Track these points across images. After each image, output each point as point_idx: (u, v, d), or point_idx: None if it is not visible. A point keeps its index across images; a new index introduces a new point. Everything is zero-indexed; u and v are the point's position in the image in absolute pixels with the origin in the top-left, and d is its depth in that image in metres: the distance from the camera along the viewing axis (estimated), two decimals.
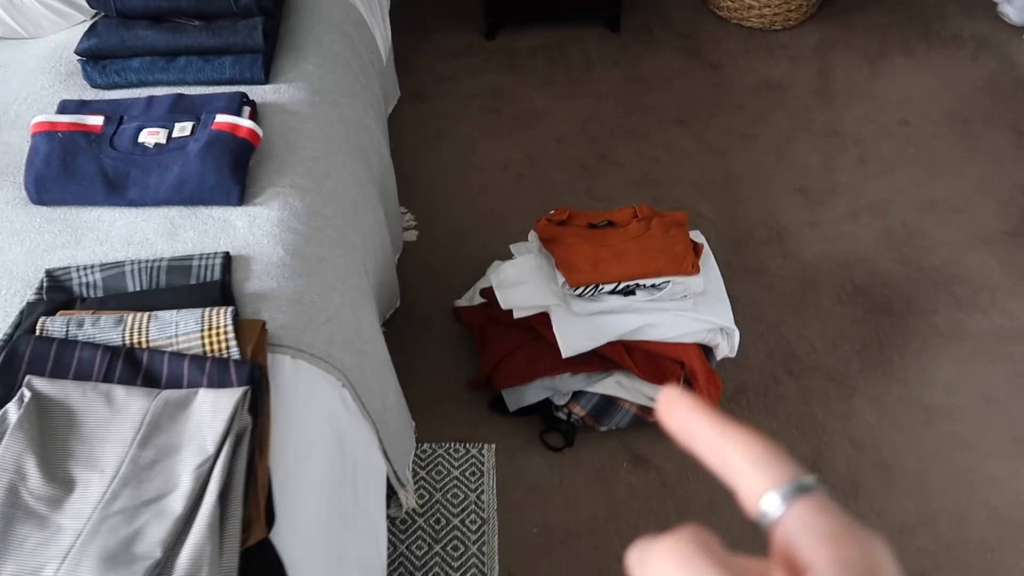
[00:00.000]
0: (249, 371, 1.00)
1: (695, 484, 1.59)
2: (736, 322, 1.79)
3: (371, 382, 1.25)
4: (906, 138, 2.21)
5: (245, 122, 1.28)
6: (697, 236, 1.68)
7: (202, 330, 1.03)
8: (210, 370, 1.00)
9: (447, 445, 1.64)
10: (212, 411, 0.94)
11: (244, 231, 1.21)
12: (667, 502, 1.57)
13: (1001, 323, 1.82)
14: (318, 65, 1.49)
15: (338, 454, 1.10)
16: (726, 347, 1.57)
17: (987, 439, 1.64)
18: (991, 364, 1.75)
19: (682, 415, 0.27)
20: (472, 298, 1.78)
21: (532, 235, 1.61)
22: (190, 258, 1.15)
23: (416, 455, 1.62)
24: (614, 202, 2.07)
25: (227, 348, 1.03)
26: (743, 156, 2.18)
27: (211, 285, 1.11)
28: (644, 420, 1.59)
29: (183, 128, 1.28)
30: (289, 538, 0.96)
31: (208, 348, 1.03)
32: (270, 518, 0.96)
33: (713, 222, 2.02)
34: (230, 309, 1.05)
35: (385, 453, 1.35)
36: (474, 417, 1.69)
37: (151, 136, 1.27)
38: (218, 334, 1.03)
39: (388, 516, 1.54)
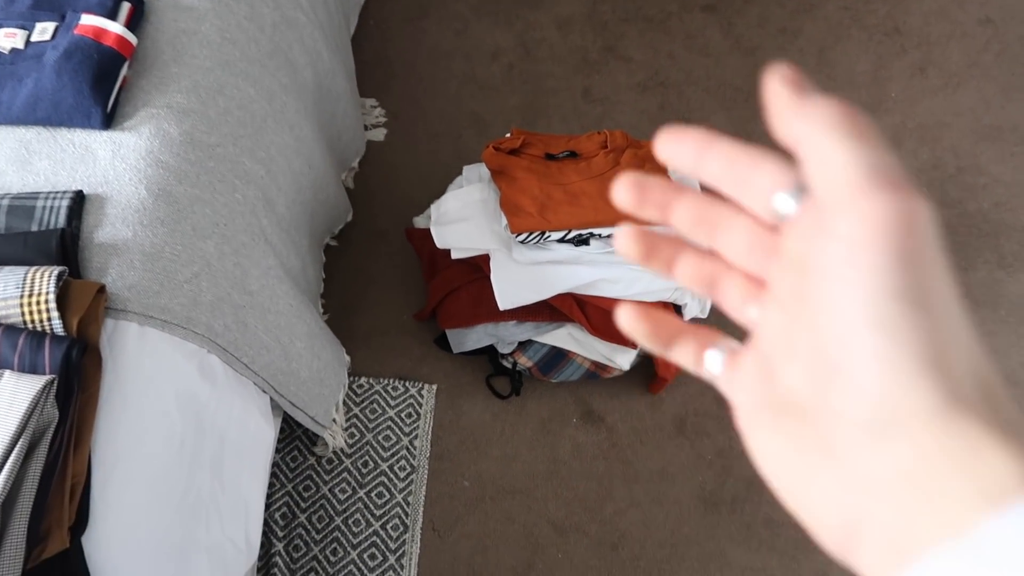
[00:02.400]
0: (65, 351, 0.87)
1: (648, 450, 1.44)
2: None
3: (260, 337, 1.11)
4: (984, 43, 1.81)
5: (114, 26, 1.07)
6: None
7: (21, 296, 0.89)
8: (22, 347, 0.87)
9: (385, 381, 1.52)
10: (7, 405, 0.82)
11: (105, 163, 1.04)
12: (614, 465, 1.43)
13: None
14: None
15: (190, 433, 0.98)
16: (695, 307, 1.36)
17: None
18: (1023, 338, 1.49)
19: (688, 149, 0.27)
20: (430, 217, 1.59)
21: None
22: (35, 196, 0.99)
23: (352, 389, 1.51)
24: (613, 106, 1.79)
25: (48, 319, 0.89)
26: (776, 56, 1.83)
27: (49, 234, 0.96)
28: (596, 376, 1.42)
29: (43, 30, 1.08)
30: (105, 541, 0.87)
31: (28, 318, 0.89)
32: (82, 522, 0.86)
33: None
34: (55, 271, 0.90)
35: (294, 404, 1.23)
36: (419, 352, 1.55)
37: (7, 39, 1.08)
38: (38, 302, 0.89)
39: (314, 455, 1.46)
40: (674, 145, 0.27)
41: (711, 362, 0.28)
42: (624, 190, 0.29)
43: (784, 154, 0.25)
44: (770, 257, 0.27)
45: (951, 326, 0.22)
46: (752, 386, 0.27)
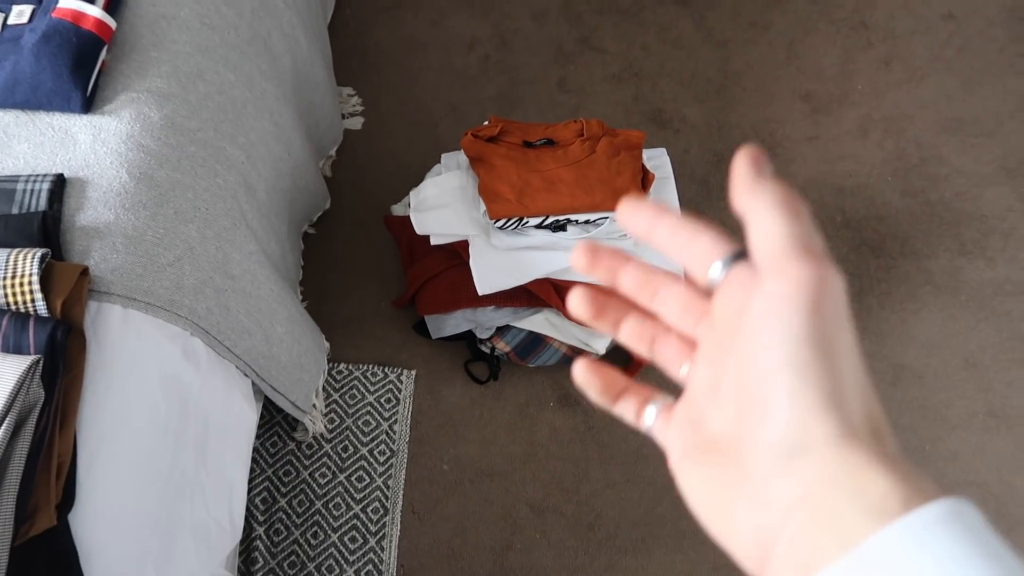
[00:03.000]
0: (50, 332, 0.87)
1: (623, 432, 1.47)
2: None
3: (242, 320, 1.12)
4: (947, 37, 1.87)
5: (92, 9, 1.07)
6: (659, 156, 1.46)
7: (4, 278, 0.90)
8: (6, 328, 0.87)
9: (365, 367, 1.54)
10: None
11: (86, 147, 1.04)
12: (590, 448, 1.46)
13: (1006, 274, 1.59)
14: None
15: (175, 414, 0.99)
16: None
17: (958, 408, 1.48)
18: (982, 322, 1.54)
19: (643, 219, 0.31)
20: (408, 204, 1.60)
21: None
22: (15, 179, 0.99)
23: (331, 375, 1.53)
24: (588, 96, 1.82)
25: (31, 301, 0.89)
26: (747, 49, 1.87)
27: (31, 217, 0.96)
28: (574, 360, 1.45)
29: (20, 13, 1.08)
30: (92, 519, 0.88)
31: (11, 300, 0.90)
32: (68, 501, 0.86)
33: (697, 129, 1.76)
34: (38, 253, 0.90)
35: (275, 389, 1.24)
36: (398, 338, 1.56)
37: None
38: (22, 284, 0.89)
39: (294, 441, 1.47)
40: (631, 215, 0.32)
41: (648, 416, 0.34)
42: (579, 255, 0.34)
43: (721, 228, 0.30)
44: (699, 319, 0.32)
45: (849, 371, 0.26)
46: (682, 433, 0.31)
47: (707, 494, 0.30)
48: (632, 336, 0.35)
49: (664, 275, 0.33)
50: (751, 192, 0.29)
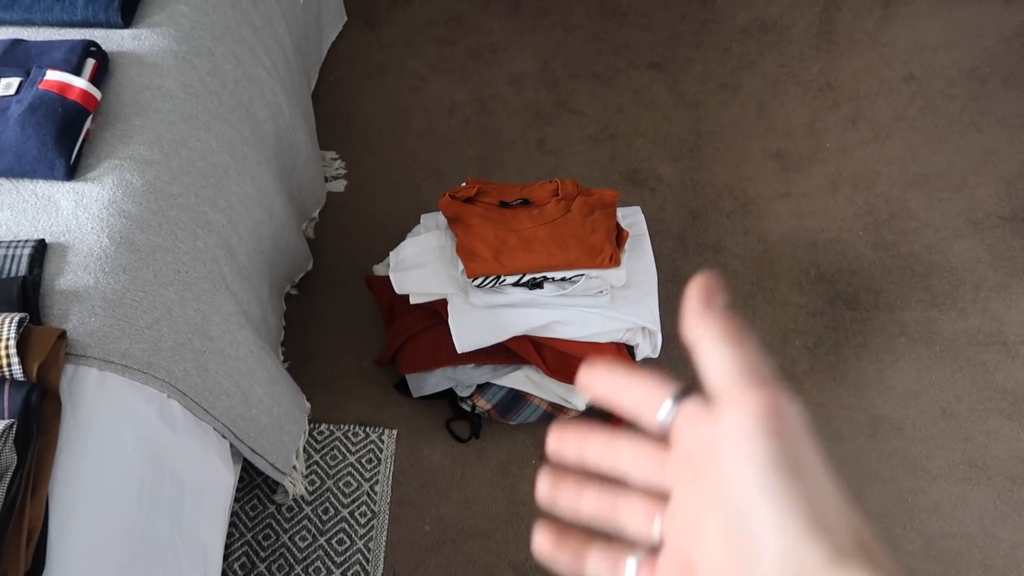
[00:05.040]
0: (25, 396, 0.87)
1: None
2: (679, 307, 1.62)
3: (221, 382, 1.13)
4: (909, 97, 1.94)
5: (78, 81, 1.10)
6: (634, 214, 1.49)
7: None
8: None
9: (346, 428, 1.53)
10: None
11: (68, 213, 1.06)
12: None
13: (979, 325, 1.62)
14: (193, 5, 1.29)
15: (149, 478, 0.98)
16: (647, 347, 1.41)
17: (938, 460, 1.48)
18: (958, 372, 1.56)
19: (600, 382, 0.34)
20: (389, 265, 1.62)
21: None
22: None
23: (312, 436, 1.52)
24: (566, 157, 1.87)
25: (8, 365, 0.90)
26: (719, 110, 1.94)
27: (10, 282, 0.97)
28: (554, 417, 1.46)
29: (8, 85, 1.11)
30: None
31: None
32: (38, 567, 0.85)
33: (672, 187, 1.81)
34: (16, 317, 0.91)
35: (254, 450, 1.24)
36: (379, 397, 1.57)
37: None
38: None
39: (274, 503, 1.45)
40: (590, 382, 0.34)
41: (628, 572, 0.33)
42: (551, 435, 0.36)
43: (661, 376, 0.32)
44: (663, 466, 0.33)
45: (825, 492, 0.27)
46: None
47: None
48: (594, 512, 0.35)
49: (623, 437, 0.34)
50: (699, 325, 0.30)
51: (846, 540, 0.26)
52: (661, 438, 0.32)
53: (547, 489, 0.36)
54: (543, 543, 0.35)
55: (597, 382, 0.34)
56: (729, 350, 0.29)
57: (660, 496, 0.33)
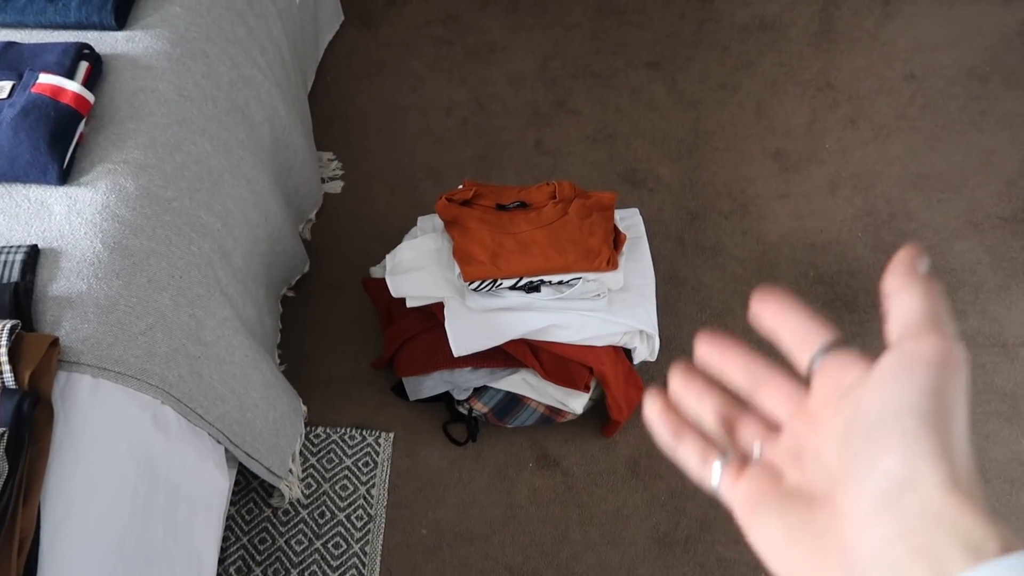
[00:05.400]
0: (16, 404, 0.87)
1: (603, 492, 1.46)
2: (678, 309, 1.62)
3: (215, 387, 1.12)
4: (909, 97, 1.93)
5: (71, 85, 1.10)
6: (631, 216, 1.48)
7: None
8: None
9: (342, 431, 1.53)
10: None
11: (61, 218, 1.05)
12: (569, 509, 1.45)
13: (978, 326, 1.61)
14: (187, 7, 1.29)
15: (143, 485, 0.98)
16: (644, 350, 1.40)
17: None
18: None
19: (769, 310, 0.36)
20: (386, 267, 1.62)
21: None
22: None
23: (308, 439, 1.51)
24: (564, 158, 1.86)
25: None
26: (717, 110, 1.93)
27: (2, 288, 0.97)
28: (551, 421, 1.45)
29: (0, 89, 1.10)
30: None
31: None
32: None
33: (670, 188, 1.80)
34: (7, 324, 0.91)
35: (250, 455, 1.24)
36: (376, 400, 1.56)
37: None
38: None
39: (270, 507, 1.45)
40: (761, 303, 0.36)
41: (714, 471, 0.36)
42: (703, 339, 0.38)
43: (826, 322, 0.34)
44: (790, 404, 0.35)
45: (961, 434, 0.28)
46: (758, 487, 0.33)
47: (786, 543, 0.31)
48: (713, 413, 0.38)
49: (764, 364, 0.37)
50: (904, 280, 0.32)
51: (963, 474, 0.27)
52: (805, 378, 0.34)
53: (679, 380, 0.38)
54: (652, 407, 0.38)
55: (766, 309, 0.36)
56: (924, 302, 0.31)
57: (773, 426, 0.36)
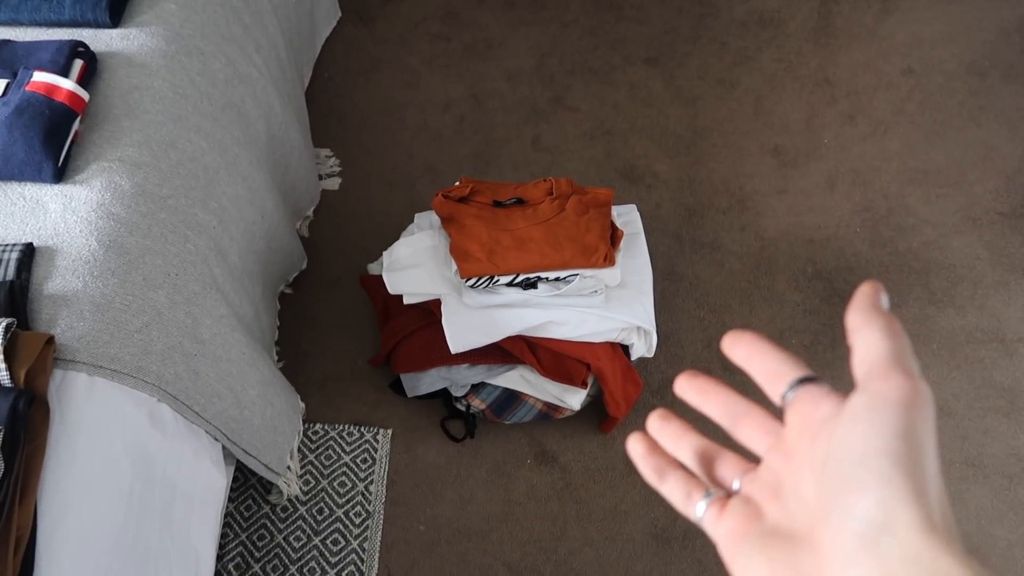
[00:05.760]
0: (12, 402, 0.87)
1: (601, 488, 1.46)
2: (676, 305, 1.62)
3: (212, 385, 1.12)
4: (908, 92, 1.93)
5: (65, 83, 1.09)
6: (629, 212, 1.48)
7: None
8: None
9: (340, 427, 1.53)
10: None
11: (56, 216, 1.05)
12: (567, 505, 1.45)
13: (977, 322, 1.61)
14: (182, 4, 1.28)
15: (140, 483, 0.98)
16: (642, 347, 1.40)
17: None
18: (955, 370, 1.56)
19: (743, 346, 0.37)
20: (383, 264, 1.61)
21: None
22: None
23: (307, 436, 1.52)
24: (561, 154, 1.86)
25: None
26: (716, 106, 1.92)
27: None
28: (549, 417, 1.45)
29: None
30: None
31: None
32: (26, 574, 0.85)
33: (668, 184, 1.80)
34: (3, 322, 0.91)
35: (247, 452, 1.24)
36: (374, 396, 1.56)
37: None
38: None
39: (269, 503, 1.45)
40: (733, 341, 0.37)
41: (699, 508, 0.37)
42: (683, 378, 0.40)
43: (797, 358, 0.36)
44: (767, 437, 0.37)
45: (933, 475, 0.29)
46: (740, 523, 0.35)
47: None
48: (690, 453, 0.39)
49: (743, 400, 0.38)
50: (866, 317, 0.32)
51: (938, 515, 0.27)
52: (778, 412, 0.36)
53: (657, 423, 0.40)
54: (637, 447, 0.39)
55: (740, 345, 0.37)
56: (888, 340, 0.31)
57: (751, 460, 0.37)
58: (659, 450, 0.39)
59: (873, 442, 0.29)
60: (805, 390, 0.34)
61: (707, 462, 0.39)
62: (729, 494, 0.36)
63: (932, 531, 0.26)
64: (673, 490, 0.38)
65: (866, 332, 0.32)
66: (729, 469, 0.38)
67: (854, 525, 0.27)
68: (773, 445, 0.36)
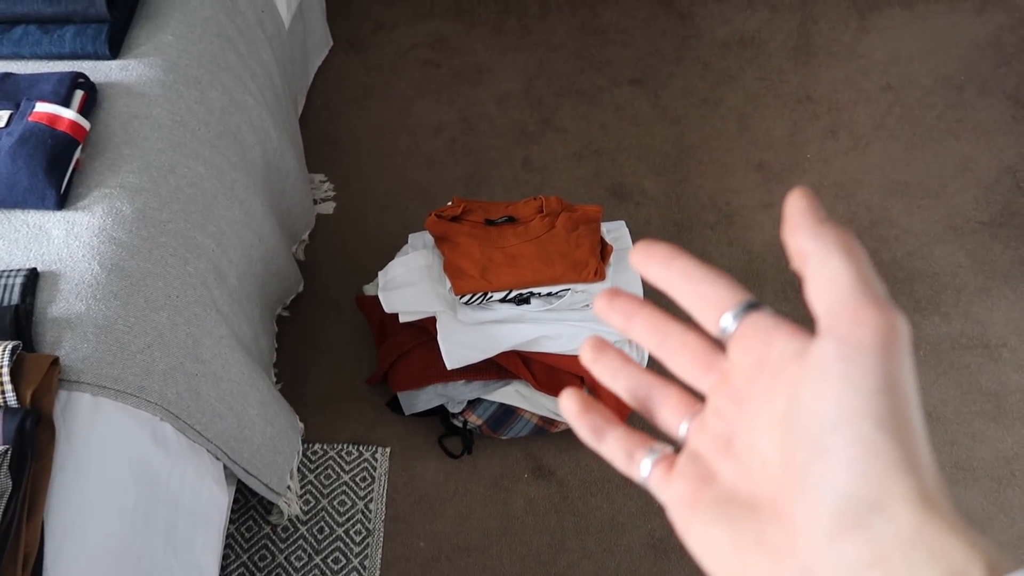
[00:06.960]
0: (19, 422, 0.89)
1: (598, 500, 1.48)
2: None
3: (213, 404, 1.14)
4: (887, 107, 1.98)
5: (67, 113, 1.13)
6: (618, 228, 1.52)
7: None
8: None
9: (339, 447, 1.54)
10: None
11: (59, 241, 1.08)
12: (566, 518, 1.47)
13: (961, 328, 1.64)
14: (179, 35, 1.32)
15: (144, 501, 1.00)
16: (633, 356, 1.42)
17: None
18: (942, 376, 1.59)
19: (656, 263, 0.31)
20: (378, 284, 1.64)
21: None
22: None
23: (306, 456, 1.53)
24: (551, 174, 1.90)
25: (2, 392, 0.92)
26: (700, 124, 1.97)
27: (3, 311, 0.99)
28: (545, 431, 1.47)
29: None
30: None
31: None
32: None
33: (656, 201, 1.84)
34: (9, 345, 0.93)
35: (248, 472, 1.25)
36: (372, 415, 1.58)
37: None
38: None
39: (270, 524, 1.46)
40: (643, 255, 0.31)
41: (643, 467, 0.31)
42: (601, 299, 0.33)
43: (730, 278, 0.30)
44: (706, 372, 0.31)
45: (920, 429, 0.25)
46: (690, 487, 0.29)
47: (728, 555, 0.27)
48: (628, 393, 0.33)
49: (676, 323, 0.32)
50: (811, 235, 0.27)
51: (933, 484, 0.23)
52: (716, 343, 0.30)
53: (590, 353, 0.34)
54: (568, 407, 0.33)
55: (653, 261, 0.31)
56: (842, 265, 0.26)
57: (696, 398, 0.32)
58: (595, 406, 0.33)
59: (850, 401, 0.24)
60: (749, 321, 0.28)
61: (646, 402, 0.33)
62: (677, 449, 0.31)
63: (929, 505, 0.23)
64: (613, 450, 0.32)
65: (820, 257, 0.26)
66: (672, 411, 0.32)
67: (837, 503, 0.23)
68: (718, 385, 0.30)
